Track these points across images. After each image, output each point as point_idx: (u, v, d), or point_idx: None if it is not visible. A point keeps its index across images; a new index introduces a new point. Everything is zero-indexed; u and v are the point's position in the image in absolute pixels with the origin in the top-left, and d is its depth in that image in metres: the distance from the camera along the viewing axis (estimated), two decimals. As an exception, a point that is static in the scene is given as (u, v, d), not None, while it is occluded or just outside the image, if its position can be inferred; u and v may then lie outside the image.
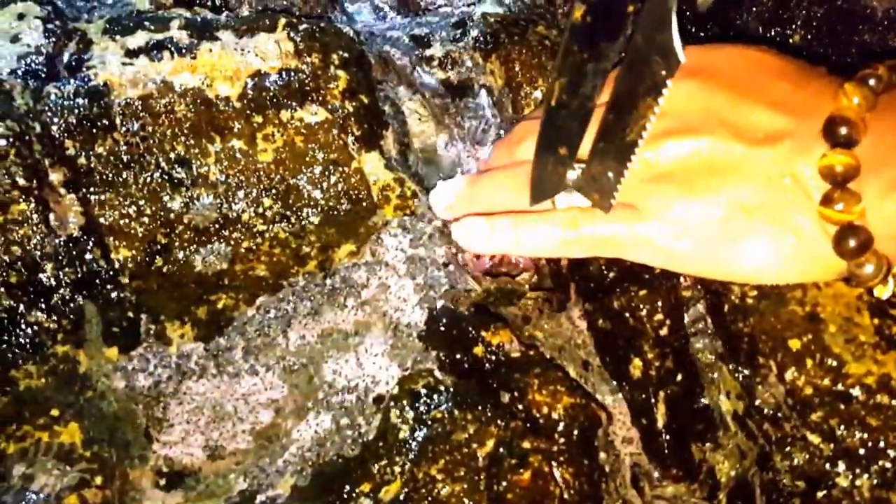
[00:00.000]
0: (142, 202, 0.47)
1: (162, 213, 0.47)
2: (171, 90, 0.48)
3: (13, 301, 0.44)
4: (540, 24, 0.57)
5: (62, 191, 0.46)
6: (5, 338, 0.44)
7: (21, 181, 0.44)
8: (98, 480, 0.42)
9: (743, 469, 0.44)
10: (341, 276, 0.49)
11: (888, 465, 0.37)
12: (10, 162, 0.43)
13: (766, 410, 0.41)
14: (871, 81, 0.36)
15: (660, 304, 0.46)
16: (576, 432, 0.43)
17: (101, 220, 0.47)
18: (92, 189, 0.47)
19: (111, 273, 0.47)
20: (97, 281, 0.46)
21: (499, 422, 0.43)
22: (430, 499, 0.40)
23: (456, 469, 0.41)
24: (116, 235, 0.47)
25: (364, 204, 0.49)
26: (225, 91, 0.48)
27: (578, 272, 0.50)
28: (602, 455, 0.45)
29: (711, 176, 0.39)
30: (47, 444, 0.42)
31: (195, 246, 0.48)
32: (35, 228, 0.44)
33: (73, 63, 0.48)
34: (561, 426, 0.43)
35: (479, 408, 0.43)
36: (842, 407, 0.39)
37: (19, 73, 0.47)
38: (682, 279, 0.46)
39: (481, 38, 0.56)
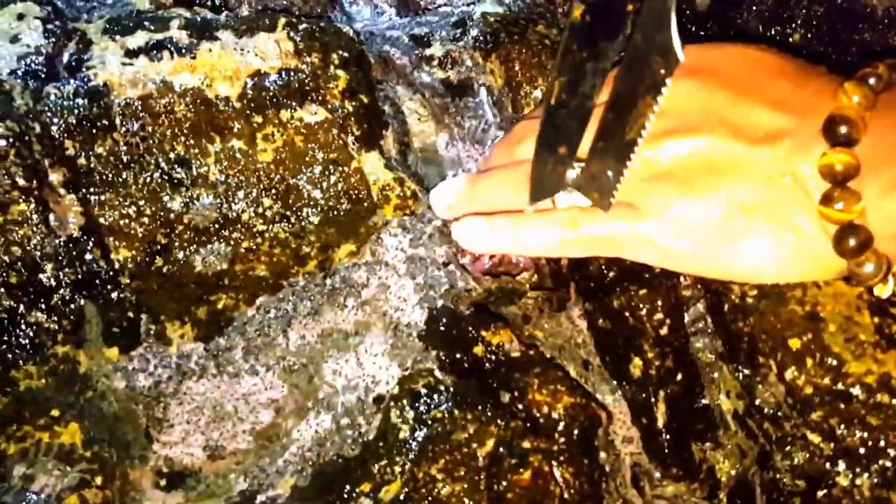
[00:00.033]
0: (142, 202, 0.47)
1: (162, 214, 0.47)
2: (171, 90, 0.48)
3: (13, 301, 0.44)
4: (540, 24, 0.57)
5: (62, 191, 0.46)
6: (5, 338, 0.44)
7: (21, 181, 0.44)
8: (98, 481, 0.42)
9: (743, 468, 0.44)
10: (341, 275, 0.49)
11: (888, 464, 0.37)
12: (10, 162, 0.43)
13: (766, 410, 0.41)
14: (871, 80, 0.36)
15: (660, 303, 0.46)
16: (576, 432, 0.43)
17: (101, 220, 0.47)
18: (92, 189, 0.47)
19: (111, 273, 0.47)
20: (97, 281, 0.46)
21: (499, 421, 0.43)
22: (430, 498, 0.40)
23: (456, 469, 0.41)
24: (116, 236, 0.47)
25: (364, 204, 0.49)
26: (225, 91, 0.48)
27: (578, 272, 0.50)
28: (602, 454, 0.45)
29: (711, 175, 0.39)
30: (48, 444, 0.42)
31: (195, 246, 0.48)
32: (35, 229, 0.44)
33: (73, 63, 0.48)
34: (561, 426, 0.43)
35: (480, 407, 0.43)
36: (842, 406, 0.39)
37: (19, 73, 0.47)
38: (682, 278, 0.46)
39: (481, 38, 0.56)
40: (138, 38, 0.49)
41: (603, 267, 0.48)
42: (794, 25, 0.50)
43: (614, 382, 0.48)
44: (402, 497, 0.41)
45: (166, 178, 0.47)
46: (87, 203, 0.46)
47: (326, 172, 0.49)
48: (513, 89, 0.54)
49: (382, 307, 0.48)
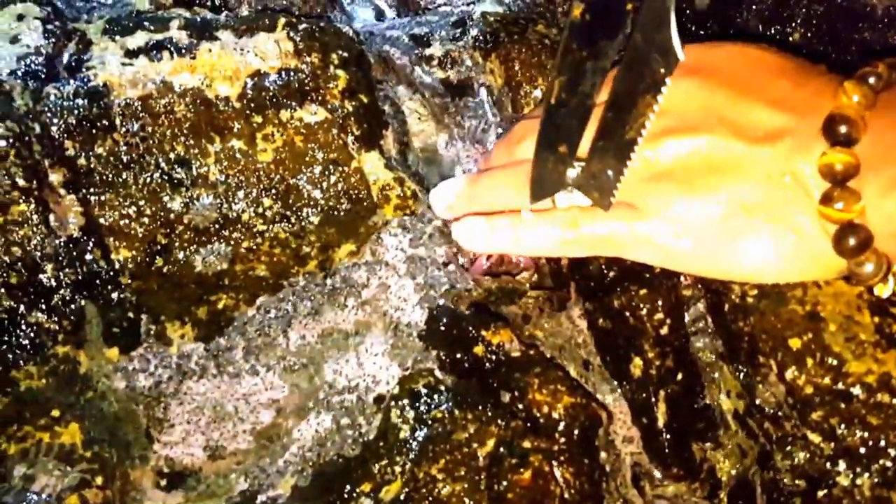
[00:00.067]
0: (142, 202, 0.47)
1: (162, 214, 0.47)
2: (171, 90, 0.48)
3: (14, 302, 0.44)
4: (539, 23, 0.57)
5: (62, 191, 0.46)
6: (6, 338, 0.44)
7: (21, 182, 0.44)
8: (99, 481, 0.42)
9: (744, 468, 0.44)
10: (341, 275, 0.49)
11: (889, 463, 0.37)
12: (10, 163, 0.43)
13: (766, 409, 0.41)
14: (871, 79, 0.36)
15: (660, 303, 0.46)
16: (576, 432, 0.43)
17: (101, 220, 0.47)
18: (92, 189, 0.47)
19: (111, 273, 0.47)
20: (97, 281, 0.46)
21: (499, 421, 0.43)
22: (430, 498, 0.40)
23: (456, 469, 0.41)
24: (116, 236, 0.47)
25: (364, 204, 0.49)
26: (224, 91, 0.48)
27: (579, 271, 0.50)
28: (603, 454, 0.45)
29: (711, 174, 0.39)
30: (48, 444, 0.42)
31: (195, 246, 0.48)
32: (35, 229, 0.44)
33: (73, 63, 0.48)
34: (561, 426, 0.43)
35: (480, 407, 0.43)
36: (842, 406, 0.39)
37: (19, 73, 0.47)
38: (682, 278, 0.46)
39: (481, 38, 0.56)
40: (138, 39, 0.49)
41: (603, 267, 0.48)
42: (793, 24, 0.50)
43: (615, 382, 0.48)
44: (402, 497, 0.41)
45: (166, 178, 0.47)
46: (87, 203, 0.46)
47: (326, 172, 0.49)
48: (513, 89, 0.54)
49: (383, 307, 0.48)
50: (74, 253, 0.45)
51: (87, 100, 0.46)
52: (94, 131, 0.46)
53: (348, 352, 0.47)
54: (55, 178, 0.46)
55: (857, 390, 0.39)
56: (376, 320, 0.48)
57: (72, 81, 0.47)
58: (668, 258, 0.41)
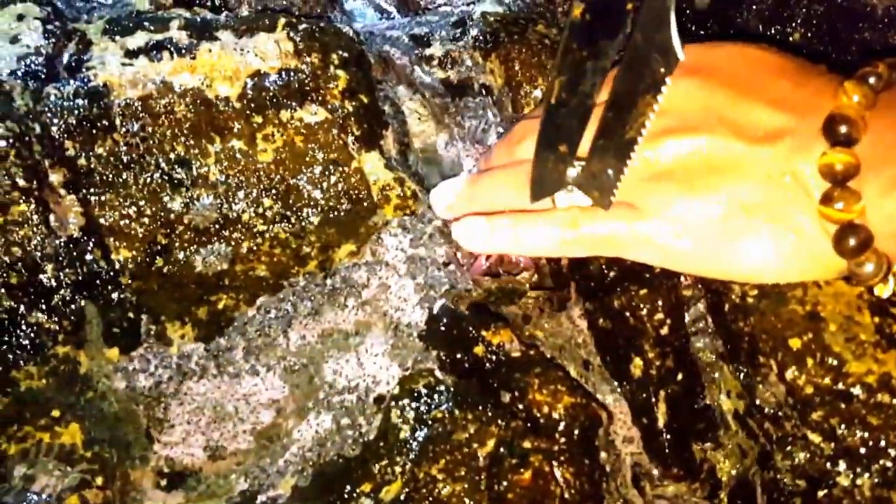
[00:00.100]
0: (142, 203, 0.47)
1: (162, 214, 0.47)
2: (171, 90, 0.48)
3: (14, 302, 0.44)
4: (539, 23, 0.57)
5: (62, 192, 0.46)
6: (6, 339, 0.44)
7: (21, 182, 0.44)
8: (99, 481, 0.42)
9: (744, 468, 0.44)
10: (341, 276, 0.49)
11: (889, 463, 0.37)
12: (10, 163, 0.43)
13: (766, 409, 0.41)
14: (871, 79, 0.36)
15: (660, 303, 0.46)
16: (576, 432, 0.43)
17: (102, 220, 0.47)
18: (92, 190, 0.47)
19: (112, 274, 0.47)
20: (98, 282, 0.46)
21: (499, 421, 0.43)
22: (430, 499, 0.40)
23: (457, 469, 0.41)
24: (117, 236, 0.47)
25: (364, 204, 0.49)
26: (225, 91, 0.48)
27: (579, 271, 0.50)
28: (603, 454, 0.45)
29: (711, 174, 0.39)
30: (48, 444, 0.42)
31: (195, 246, 0.48)
32: (35, 229, 0.44)
33: (73, 64, 0.48)
34: (561, 426, 0.43)
35: (480, 407, 0.43)
36: (842, 406, 0.39)
37: (19, 73, 0.47)
38: (682, 278, 0.46)
39: (481, 38, 0.56)
40: (138, 39, 0.49)
41: (603, 267, 0.48)
42: (794, 24, 0.50)
43: (615, 382, 0.48)
44: (402, 497, 0.41)
45: (166, 178, 0.47)
46: (87, 203, 0.46)
47: (326, 172, 0.49)
48: (513, 89, 0.54)
49: (383, 307, 0.48)
50: (74, 253, 0.45)
51: (87, 100, 0.46)
52: (94, 131, 0.46)
53: (348, 352, 0.47)
54: (55, 178, 0.46)
55: (857, 390, 0.39)
56: (376, 320, 0.48)
57: (72, 81, 0.47)
58: (669, 258, 0.41)
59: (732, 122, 0.39)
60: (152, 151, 0.47)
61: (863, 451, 0.38)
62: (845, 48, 0.48)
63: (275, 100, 0.48)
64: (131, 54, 0.48)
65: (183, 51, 0.48)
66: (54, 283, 0.45)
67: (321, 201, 0.49)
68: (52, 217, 0.45)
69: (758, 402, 0.42)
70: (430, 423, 0.43)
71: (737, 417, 0.44)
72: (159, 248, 0.47)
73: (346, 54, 0.50)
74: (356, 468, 0.43)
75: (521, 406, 0.44)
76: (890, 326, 0.40)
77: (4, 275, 0.43)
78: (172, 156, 0.47)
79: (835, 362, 0.39)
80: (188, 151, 0.48)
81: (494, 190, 0.46)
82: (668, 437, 0.45)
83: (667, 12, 0.34)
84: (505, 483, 0.41)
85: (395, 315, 0.48)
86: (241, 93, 0.48)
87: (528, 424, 0.43)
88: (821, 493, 0.39)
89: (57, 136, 0.46)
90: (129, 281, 0.47)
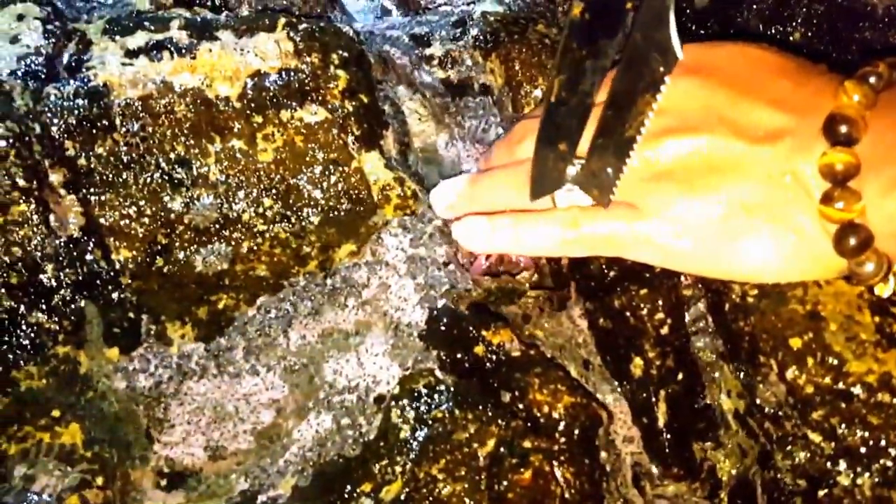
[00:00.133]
0: (142, 203, 0.47)
1: (162, 214, 0.47)
2: (171, 90, 0.48)
3: (14, 302, 0.44)
4: (540, 23, 0.57)
5: (62, 191, 0.46)
6: (6, 339, 0.44)
7: (21, 182, 0.44)
8: (99, 481, 0.42)
9: (744, 468, 0.44)
10: (342, 275, 0.49)
11: (889, 463, 0.37)
12: (10, 163, 0.43)
13: (767, 409, 0.41)
14: (872, 79, 0.36)
15: (660, 303, 0.46)
16: (577, 431, 0.43)
17: (102, 220, 0.47)
18: (92, 190, 0.47)
19: (112, 274, 0.47)
20: (98, 282, 0.46)
21: (499, 421, 0.43)
22: (431, 498, 0.40)
23: (457, 469, 0.41)
24: (117, 236, 0.47)
25: (364, 204, 0.49)
26: (225, 91, 0.48)
27: (579, 271, 0.50)
28: (603, 454, 0.45)
29: (711, 174, 0.39)
30: (48, 444, 0.42)
31: (196, 246, 0.48)
32: (35, 229, 0.44)
33: (73, 64, 0.48)
34: (562, 425, 0.43)
35: (480, 407, 0.43)
36: (843, 405, 0.39)
37: (19, 73, 0.47)
38: (682, 278, 0.46)
39: (481, 37, 0.56)
40: (138, 39, 0.49)
41: (604, 266, 0.48)
42: (794, 24, 0.50)
43: (615, 382, 0.48)
44: (402, 497, 0.41)
45: (166, 178, 0.47)
46: (87, 203, 0.46)
47: (327, 172, 0.49)
48: (513, 89, 0.54)
49: (383, 307, 0.48)
50: (74, 253, 0.45)
51: (88, 100, 0.46)
52: (94, 131, 0.46)
53: (348, 352, 0.47)
54: (55, 178, 0.46)
55: (857, 390, 0.39)
56: (376, 320, 0.48)
57: (72, 81, 0.47)
58: (669, 258, 0.41)
59: (733, 122, 0.38)
60: (152, 151, 0.47)
61: (863, 450, 0.38)
62: (846, 48, 0.48)
63: (275, 100, 0.48)
64: (131, 54, 0.48)
65: (183, 51, 0.48)
66: (54, 283, 0.45)
67: (321, 201, 0.49)
68: (52, 217, 0.45)
69: (758, 401, 0.42)
70: (430, 422, 0.43)
71: (737, 417, 0.44)
72: (159, 247, 0.47)
73: (346, 54, 0.50)
74: (356, 468, 0.43)
75: (521, 406, 0.44)
76: (890, 326, 0.40)
77: (4, 275, 0.43)
78: (172, 156, 0.47)
79: (835, 362, 0.39)
80: (188, 151, 0.48)
81: (495, 189, 0.46)
82: (669, 436, 0.45)
83: (666, 11, 0.34)
84: (505, 483, 0.41)
85: (396, 315, 0.48)
86: (242, 93, 0.48)
87: (529, 424, 0.43)
88: (821, 493, 0.39)
89: (57, 136, 0.46)
90: (130, 281, 0.47)
